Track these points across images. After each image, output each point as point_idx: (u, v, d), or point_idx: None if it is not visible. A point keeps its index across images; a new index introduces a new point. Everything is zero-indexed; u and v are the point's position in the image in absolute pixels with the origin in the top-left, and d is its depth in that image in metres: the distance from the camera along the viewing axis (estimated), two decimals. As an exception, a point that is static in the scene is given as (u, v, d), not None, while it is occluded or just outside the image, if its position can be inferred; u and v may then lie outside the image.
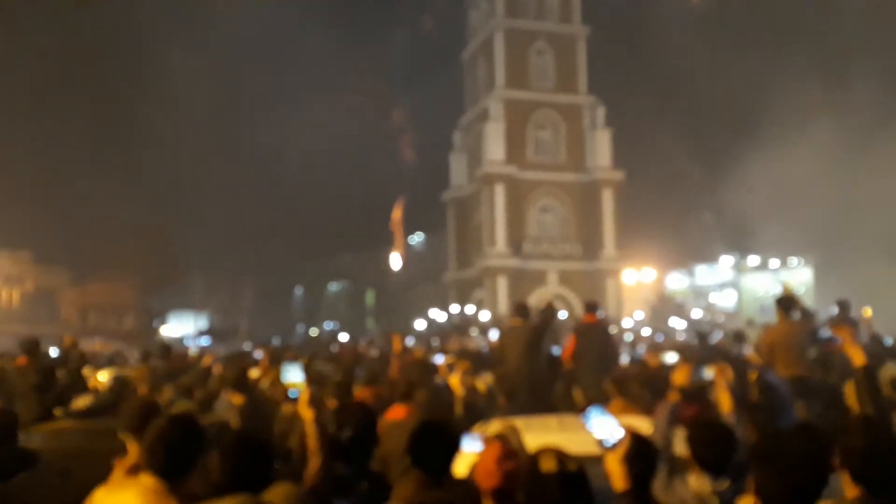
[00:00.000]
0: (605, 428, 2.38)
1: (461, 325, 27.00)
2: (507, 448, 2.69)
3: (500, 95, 39.63)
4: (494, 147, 38.90)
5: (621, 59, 45.85)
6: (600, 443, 2.31)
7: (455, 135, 45.61)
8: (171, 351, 10.24)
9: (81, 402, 6.22)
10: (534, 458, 2.41)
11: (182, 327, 52.34)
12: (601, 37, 41.95)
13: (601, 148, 40.40)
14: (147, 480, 2.74)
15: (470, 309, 34.95)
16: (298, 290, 76.50)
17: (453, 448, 2.97)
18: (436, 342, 17.41)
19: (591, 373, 7.66)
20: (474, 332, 22.18)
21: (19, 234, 41.62)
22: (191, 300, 56.52)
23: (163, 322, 51.84)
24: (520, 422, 4.42)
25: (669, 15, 40.45)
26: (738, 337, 11.63)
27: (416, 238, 64.92)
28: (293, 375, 3.45)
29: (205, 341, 40.84)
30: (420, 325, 36.73)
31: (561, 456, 2.37)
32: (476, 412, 5.76)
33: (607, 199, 39.93)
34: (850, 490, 2.41)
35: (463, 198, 43.84)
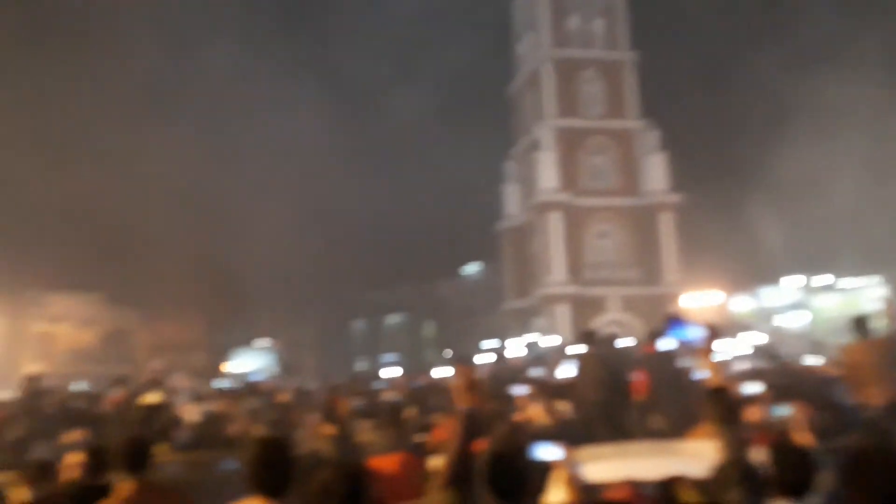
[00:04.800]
0: (689, 333, 2.52)
1: (540, 356, 26.70)
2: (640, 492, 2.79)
3: (550, 125, 39.81)
4: (547, 175, 38.99)
5: (674, 81, 45.64)
6: (691, 344, 2.43)
7: (507, 165, 45.90)
8: (258, 388, 10.61)
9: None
10: (666, 488, 2.49)
11: (248, 363, 53.37)
12: (653, 60, 41.89)
13: (656, 171, 40.10)
14: (254, 502, 2.97)
15: (531, 338, 34.77)
16: (359, 324, 77.27)
17: (525, 476, 3.09)
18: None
19: (668, 399, 7.65)
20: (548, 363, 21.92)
21: (93, 277, 43.58)
22: (255, 336, 57.74)
23: (229, 358, 52.99)
24: (610, 448, 4.50)
25: (717, 31, 40.16)
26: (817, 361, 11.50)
27: (472, 268, 65.09)
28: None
29: (270, 377, 41.54)
30: (484, 356, 36.64)
31: (694, 486, 2.46)
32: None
33: (665, 223, 39.51)
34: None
35: (518, 227, 43.91)
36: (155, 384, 7.28)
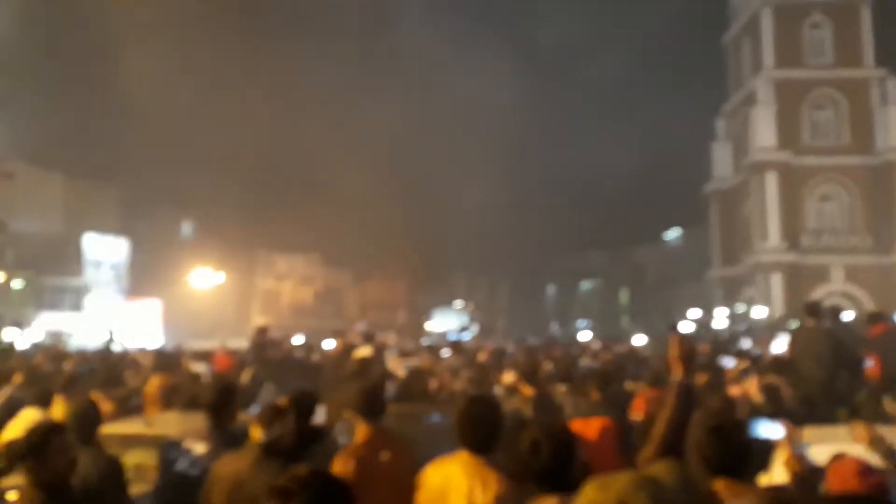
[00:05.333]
0: None
1: (748, 328, 24.90)
2: (865, 464, 2.55)
3: (768, 76, 36.44)
4: (764, 132, 35.87)
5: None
6: None
7: (717, 122, 42.90)
8: (460, 346, 11.00)
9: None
10: None
11: (445, 323, 55.70)
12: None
13: (895, 126, 35.37)
14: (464, 456, 3.06)
15: (738, 308, 32.64)
16: (551, 289, 77.40)
17: (745, 452, 2.86)
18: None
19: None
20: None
21: (311, 240, 47.70)
22: (453, 298, 60.00)
23: (428, 318, 55.65)
24: (843, 430, 4.06)
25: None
26: None
27: (672, 234, 62.21)
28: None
29: (466, 337, 42.97)
30: (686, 325, 35.07)
31: None
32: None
33: (904, 184, 34.90)
34: None
35: (728, 189, 41.07)
36: (367, 339, 7.83)
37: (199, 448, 3.90)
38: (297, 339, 20.83)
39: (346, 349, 9.05)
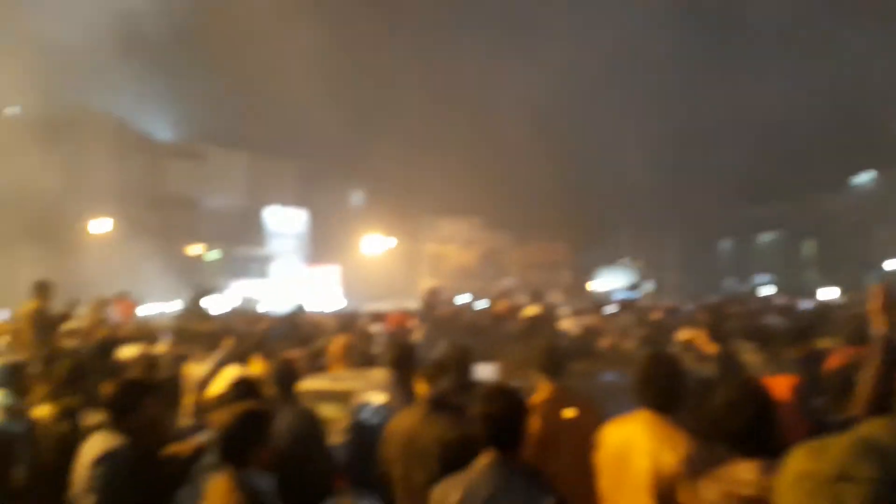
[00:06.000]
0: None
1: None
2: None
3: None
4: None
5: None
6: None
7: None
8: (632, 305, 10.77)
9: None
10: None
11: (611, 282, 54.41)
12: None
13: None
14: (646, 414, 3.01)
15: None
16: (725, 243, 72.95)
17: None
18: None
19: None
20: None
21: (472, 203, 48.35)
22: (617, 255, 58.38)
23: (592, 277, 54.50)
24: None
25: None
26: None
27: (864, 177, 56.16)
28: None
29: (634, 295, 41.74)
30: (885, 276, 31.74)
31: None
32: None
33: None
34: None
35: (931, 124, 36.36)
36: (535, 298, 7.85)
37: (379, 399, 4.13)
38: (464, 298, 21.37)
39: (513, 308, 9.11)
